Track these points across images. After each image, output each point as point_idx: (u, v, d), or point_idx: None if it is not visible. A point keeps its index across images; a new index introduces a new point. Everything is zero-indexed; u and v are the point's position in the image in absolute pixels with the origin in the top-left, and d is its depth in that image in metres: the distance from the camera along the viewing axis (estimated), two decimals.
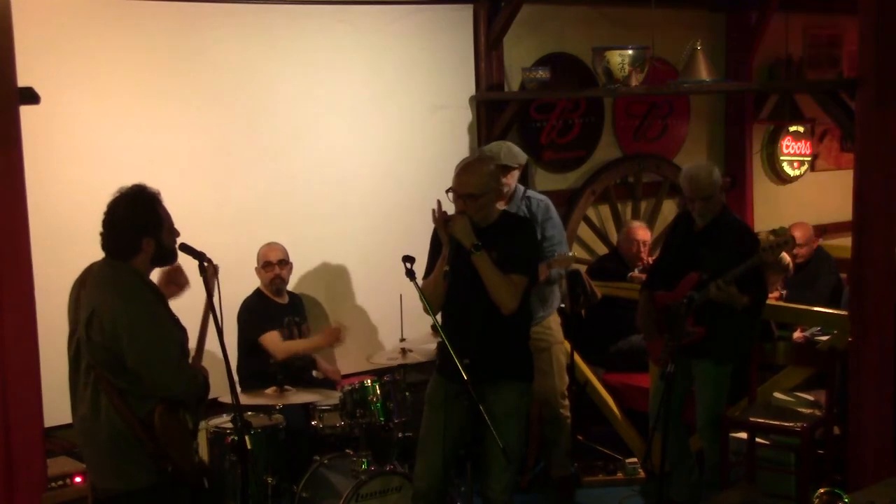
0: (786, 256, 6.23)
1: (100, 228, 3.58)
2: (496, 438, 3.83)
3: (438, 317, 4.14)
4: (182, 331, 3.69)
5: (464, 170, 4.15)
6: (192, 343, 3.76)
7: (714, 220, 4.94)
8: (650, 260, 6.36)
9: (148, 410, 3.47)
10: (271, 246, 5.45)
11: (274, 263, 5.40)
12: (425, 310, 4.01)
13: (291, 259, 5.50)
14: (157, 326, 3.48)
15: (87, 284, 3.57)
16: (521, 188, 5.42)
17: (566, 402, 5.54)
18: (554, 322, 5.47)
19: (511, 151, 5.34)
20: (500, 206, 5.29)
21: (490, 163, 4.30)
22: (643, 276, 6.18)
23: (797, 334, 6.02)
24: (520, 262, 4.11)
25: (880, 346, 4.92)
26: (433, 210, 4.17)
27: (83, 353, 3.53)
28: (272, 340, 5.25)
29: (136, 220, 3.54)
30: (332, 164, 5.90)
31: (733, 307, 4.75)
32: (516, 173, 5.36)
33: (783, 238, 4.71)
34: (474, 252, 4.00)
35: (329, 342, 5.35)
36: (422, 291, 4.03)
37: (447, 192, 4.14)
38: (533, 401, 4.75)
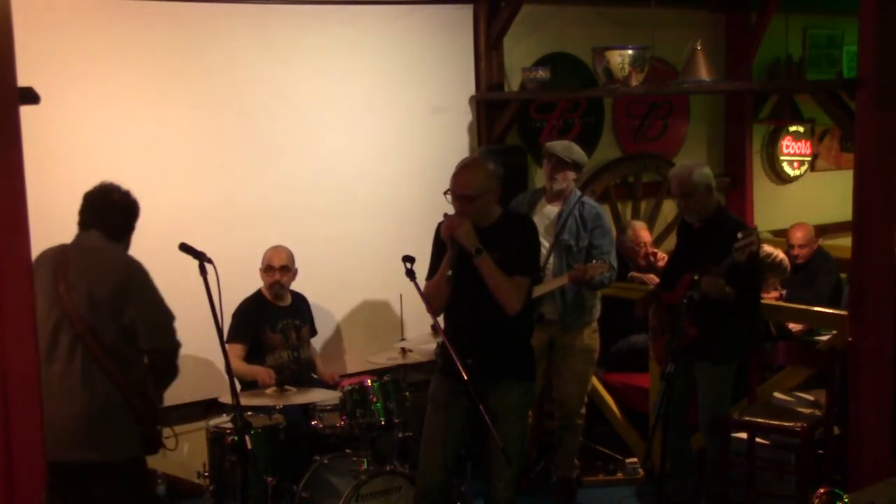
0: (780, 255, 6.22)
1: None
2: (496, 438, 3.82)
3: (440, 317, 4.14)
4: None
5: (460, 171, 4.13)
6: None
7: (709, 219, 4.96)
8: (659, 257, 6.36)
9: (139, 377, 3.73)
10: (277, 250, 5.43)
11: (276, 269, 5.38)
12: (428, 311, 4.00)
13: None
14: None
15: (80, 253, 3.82)
16: (578, 192, 5.40)
17: (582, 411, 5.51)
18: (588, 329, 5.44)
19: (569, 148, 5.32)
20: (556, 206, 5.34)
21: (487, 164, 4.26)
22: (643, 276, 6.19)
23: (794, 327, 6.03)
24: (523, 264, 4.11)
25: (880, 346, 4.91)
26: (440, 222, 4.14)
27: (67, 326, 3.67)
28: (232, 350, 5.05)
29: (132, 210, 3.93)
30: (331, 163, 5.90)
31: (725, 301, 4.75)
32: (571, 173, 5.33)
33: (749, 237, 4.69)
34: (476, 255, 3.99)
35: (263, 382, 5.17)
36: (423, 293, 4.01)
37: (445, 193, 4.13)
38: (534, 400, 4.73)
